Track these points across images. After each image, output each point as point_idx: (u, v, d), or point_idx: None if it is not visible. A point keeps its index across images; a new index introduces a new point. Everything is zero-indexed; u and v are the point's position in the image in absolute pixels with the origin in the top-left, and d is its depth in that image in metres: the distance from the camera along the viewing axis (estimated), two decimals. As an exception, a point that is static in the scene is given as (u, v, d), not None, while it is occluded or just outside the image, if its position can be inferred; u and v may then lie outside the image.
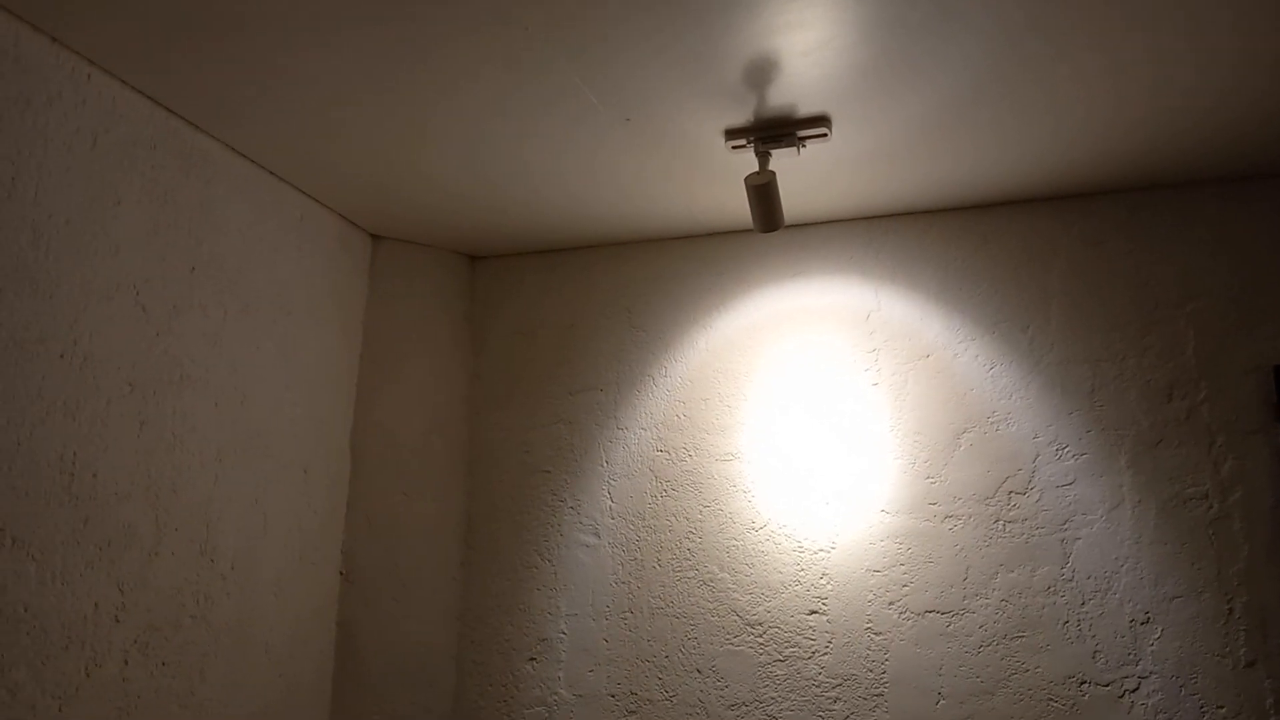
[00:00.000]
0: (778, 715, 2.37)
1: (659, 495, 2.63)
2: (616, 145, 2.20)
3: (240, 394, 2.20)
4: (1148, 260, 2.39)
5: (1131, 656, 2.16)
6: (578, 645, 2.57)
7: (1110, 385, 2.34)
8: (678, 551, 2.57)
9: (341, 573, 2.51)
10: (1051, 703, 2.19)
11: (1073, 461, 2.32)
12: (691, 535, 2.57)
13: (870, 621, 2.36)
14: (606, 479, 2.70)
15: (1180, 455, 2.25)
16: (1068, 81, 1.88)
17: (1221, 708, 2.09)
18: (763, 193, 2.15)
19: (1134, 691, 2.15)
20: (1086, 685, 2.18)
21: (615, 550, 2.62)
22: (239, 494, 2.17)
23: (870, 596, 2.38)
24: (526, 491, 2.76)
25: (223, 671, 2.09)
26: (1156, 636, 2.16)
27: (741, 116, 2.08)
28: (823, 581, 2.42)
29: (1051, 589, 2.25)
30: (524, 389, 2.86)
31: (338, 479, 2.55)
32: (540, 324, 2.90)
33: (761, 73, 1.88)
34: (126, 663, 1.83)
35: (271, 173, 2.35)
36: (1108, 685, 2.16)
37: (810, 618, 2.41)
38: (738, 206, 2.56)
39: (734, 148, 2.18)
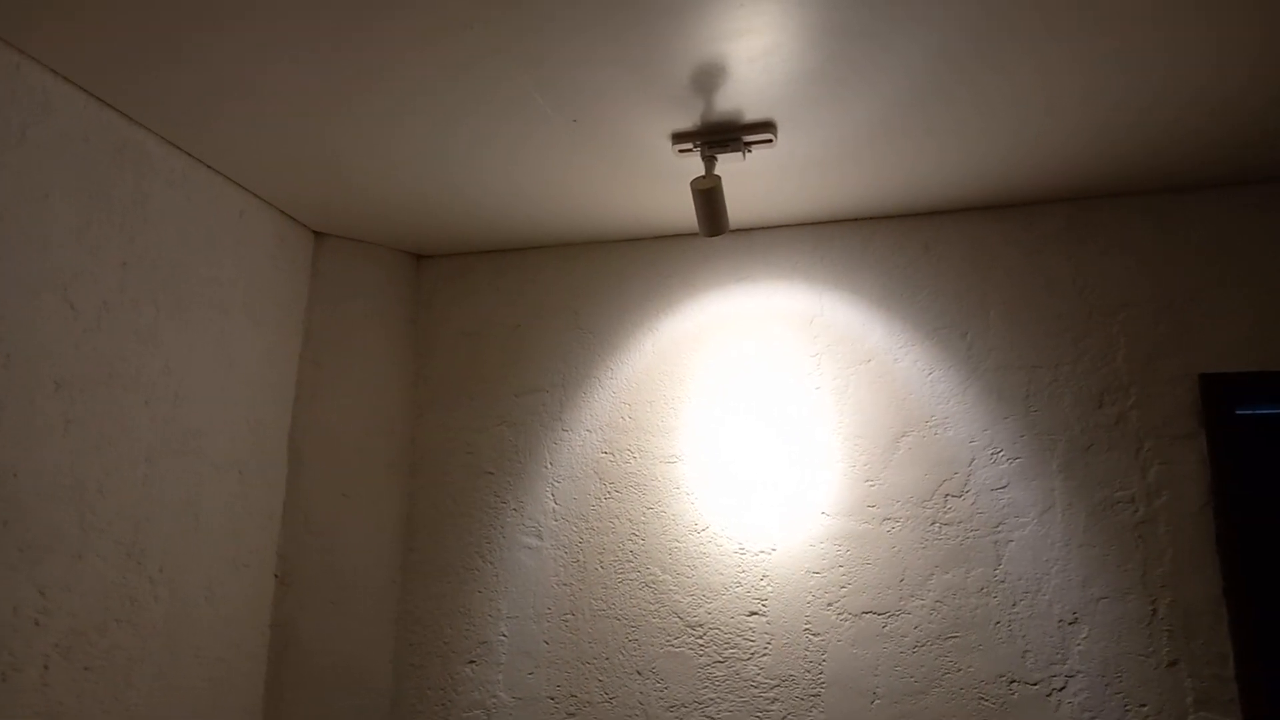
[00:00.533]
0: (716, 716, 2.38)
1: (602, 497, 2.63)
2: (564, 147, 2.20)
3: (173, 393, 2.16)
4: (1083, 269, 2.44)
5: (1059, 656, 2.21)
6: (518, 648, 2.57)
7: (1044, 391, 2.39)
8: (620, 553, 2.57)
9: (277, 575, 2.48)
10: (982, 701, 2.23)
11: (1007, 465, 2.36)
12: (634, 537, 2.57)
13: (809, 623, 2.39)
14: (550, 481, 2.69)
15: (1109, 460, 2.30)
16: (1003, 93, 1.92)
17: (1144, 706, 2.14)
18: (708, 197, 2.17)
19: (1061, 690, 2.19)
20: (1016, 684, 2.22)
21: (558, 552, 2.62)
22: (170, 495, 2.13)
23: (809, 598, 2.40)
24: (469, 493, 2.75)
25: (151, 676, 2.05)
26: (1084, 637, 2.21)
27: (688, 121, 2.09)
28: (763, 583, 2.44)
29: (984, 590, 2.30)
30: (469, 390, 2.84)
31: (274, 480, 2.51)
32: (486, 325, 2.89)
33: (708, 78, 1.89)
34: (47, 668, 1.79)
35: (210, 167, 2.31)
36: (1036, 684, 2.21)
37: (750, 619, 2.43)
38: (685, 210, 2.57)
39: (680, 151, 2.19)
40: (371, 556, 2.64)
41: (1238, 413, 2.28)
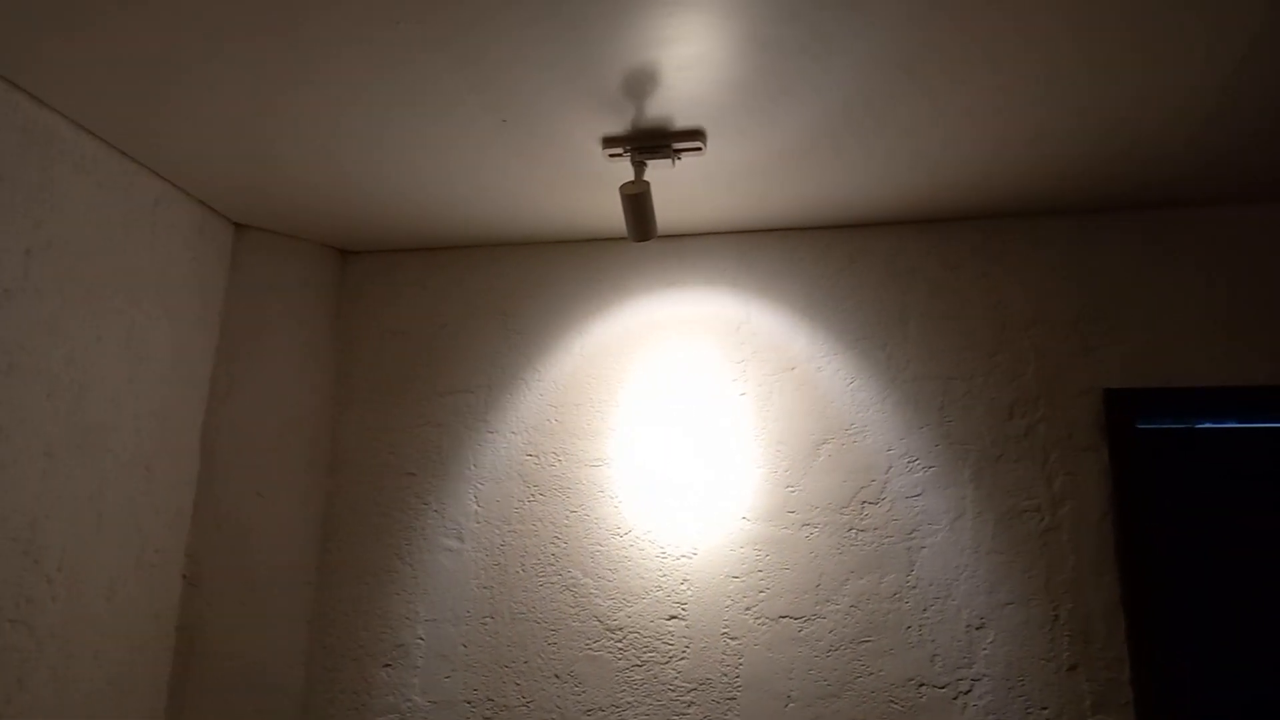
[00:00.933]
0: (633, 720, 2.39)
1: (526, 500, 2.62)
2: (496, 147, 2.18)
3: (77, 385, 2.08)
4: (999, 285, 2.52)
5: (966, 660, 2.28)
6: (435, 651, 2.53)
7: (959, 402, 2.46)
8: (542, 556, 2.56)
9: (185, 576, 2.40)
10: (892, 704, 2.28)
11: (922, 474, 2.43)
12: (557, 540, 2.56)
13: (727, 626, 2.41)
14: (473, 482, 2.66)
15: (1018, 470, 2.38)
16: (926, 114, 1.98)
17: (1045, 709, 2.22)
18: (636, 202, 2.18)
19: (967, 693, 2.26)
20: (925, 688, 2.28)
21: (479, 555, 2.59)
22: (70, 491, 2.05)
23: (728, 602, 2.43)
24: (389, 494, 2.70)
25: (45, 679, 1.97)
26: (990, 641, 2.28)
27: (619, 125, 2.10)
28: (683, 587, 2.46)
29: (897, 595, 2.35)
30: (393, 389, 2.80)
31: (185, 478, 2.44)
32: (413, 323, 2.85)
33: (639, 84, 1.90)
34: (-72, 671, 1.70)
35: (124, 154, 2.23)
36: (944, 687, 2.27)
37: (670, 623, 2.44)
38: (615, 214, 2.58)
39: (611, 156, 2.20)
40: (286, 557, 2.58)
41: (1138, 427, 2.38)
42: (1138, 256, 2.46)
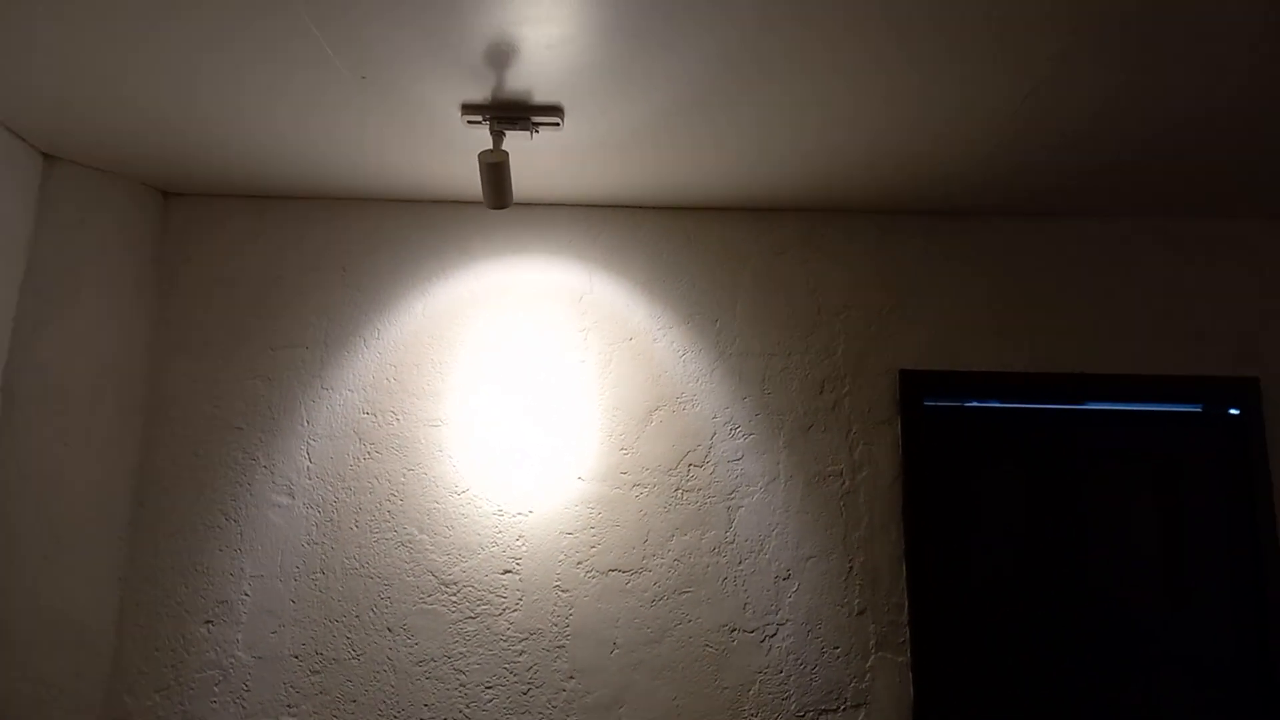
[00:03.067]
0: (465, 669, 2.46)
1: (362, 457, 2.61)
2: (351, 102, 2.16)
3: None
4: (818, 271, 2.79)
5: (773, 607, 2.53)
6: (261, 607, 2.48)
7: (778, 376, 2.71)
8: (377, 513, 2.57)
9: (-19, 527, 2.21)
10: (707, 648, 2.50)
11: (743, 440, 2.65)
12: (393, 498, 2.58)
13: (559, 580, 2.54)
14: (306, 439, 2.62)
15: (825, 439, 2.66)
16: (755, 112, 2.18)
17: (838, 648, 2.52)
18: (495, 171, 2.23)
19: (772, 636, 2.51)
20: (736, 633, 2.51)
21: (310, 511, 2.56)
22: None
23: (561, 557, 2.55)
24: (213, 448, 2.60)
25: None
26: (794, 590, 2.55)
27: (479, 94, 2.14)
28: (518, 543, 2.56)
29: (716, 550, 2.57)
30: (218, 339, 2.68)
31: (-17, 423, 2.24)
32: (241, 273, 2.74)
33: (503, 56, 1.96)
34: None
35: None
36: (753, 631, 2.52)
37: (504, 577, 2.53)
38: (466, 178, 2.61)
39: (469, 123, 2.24)
40: (94, 511, 2.42)
41: (926, 404, 2.73)
42: (931, 255, 2.80)
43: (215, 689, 2.43)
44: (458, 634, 2.49)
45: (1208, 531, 2.69)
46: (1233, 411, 2.76)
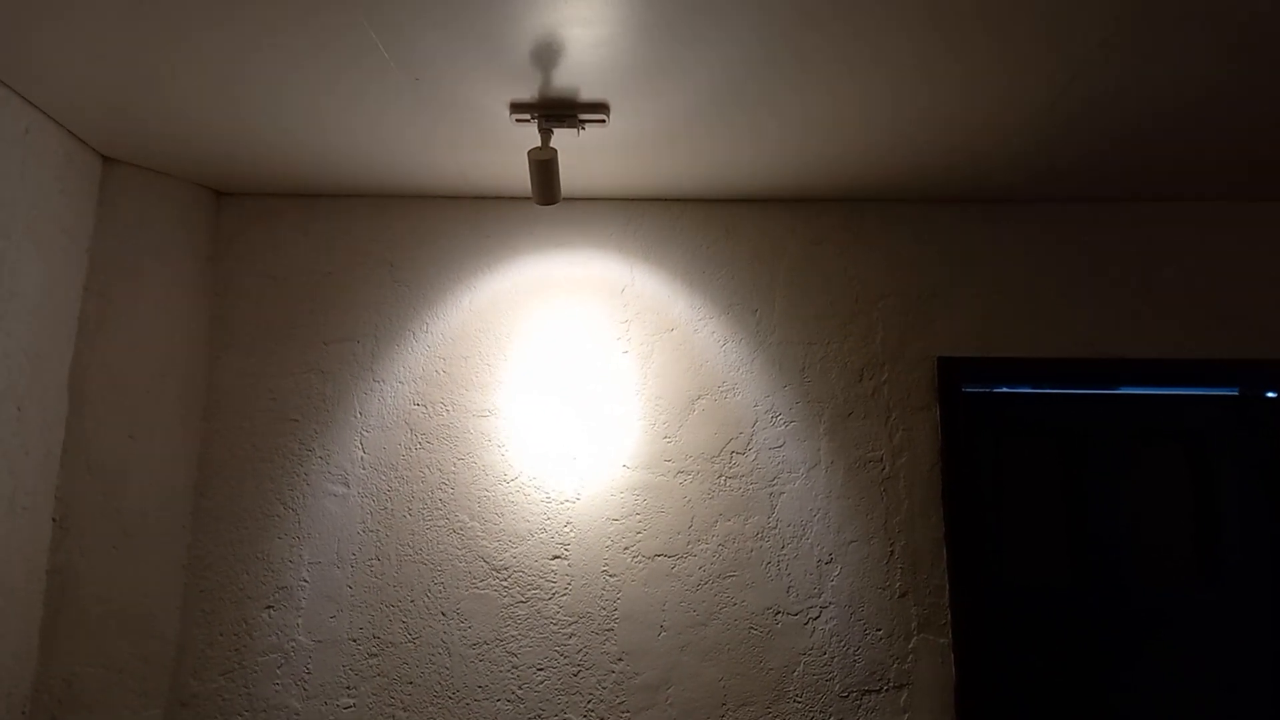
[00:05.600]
0: (517, 652, 2.54)
1: (413, 447, 2.68)
2: (400, 101, 2.22)
3: (-58, 314, 1.95)
4: (856, 261, 2.83)
5: (816, 590, 2.59)
6: (320, 592, 2.57)
7: (817, 365, 2.75)
8: (429, 501, 2.64)
9: (55, 519, 2.30)
10: (752, 630, 2.56)
11: (784, 427, 2.71)
12: (444, 486, 2.65)
13: (606, 565, 2.60)
14: (359, 430, 2.70)
15: (865, 426, 2.71)
16: (796, 102, 2.21)
17: (880, 630, 2.57)
18: (545, 168, 2.29)
19: (816, 619, 2.57)
20: (780, 615, 2.57)
21: (365, 500, 2.64)
22: (-64, 426, 1.93)
23: (608, 542, 2.62)
24: (270, 439, 2.68)
25: (-97, 622, 1.87)
26: (836, 574, 2.60)
27: (527, 93, 2.19)
28: (566, 529, 2.62)
29: (759, 535, 2.62)
30: (272, 335, 2.76)
31: (54, 419, 2.33)
32: (293, 269, 2.82)
33: (550, 57, 2.01)
34: None
35: (-4, 75, 2.09)
36: (797, 614, 2.57)
37: (553, 562, 2.60)
38: (512, 175, 2.67)
39: (518, 121, 2.29)
40: (159, 500, 2.51)
41: (964, 390, 2.77)
42: (968, 242, 2.83)
43: (278, 671, 2.52)
44: (509, 618, 2.56)
45: (1244, 514, 2.71)
46: (1270, 395, 2.78)
